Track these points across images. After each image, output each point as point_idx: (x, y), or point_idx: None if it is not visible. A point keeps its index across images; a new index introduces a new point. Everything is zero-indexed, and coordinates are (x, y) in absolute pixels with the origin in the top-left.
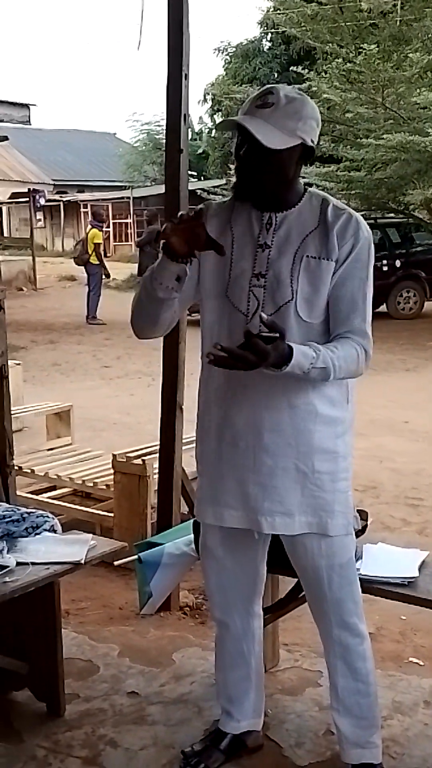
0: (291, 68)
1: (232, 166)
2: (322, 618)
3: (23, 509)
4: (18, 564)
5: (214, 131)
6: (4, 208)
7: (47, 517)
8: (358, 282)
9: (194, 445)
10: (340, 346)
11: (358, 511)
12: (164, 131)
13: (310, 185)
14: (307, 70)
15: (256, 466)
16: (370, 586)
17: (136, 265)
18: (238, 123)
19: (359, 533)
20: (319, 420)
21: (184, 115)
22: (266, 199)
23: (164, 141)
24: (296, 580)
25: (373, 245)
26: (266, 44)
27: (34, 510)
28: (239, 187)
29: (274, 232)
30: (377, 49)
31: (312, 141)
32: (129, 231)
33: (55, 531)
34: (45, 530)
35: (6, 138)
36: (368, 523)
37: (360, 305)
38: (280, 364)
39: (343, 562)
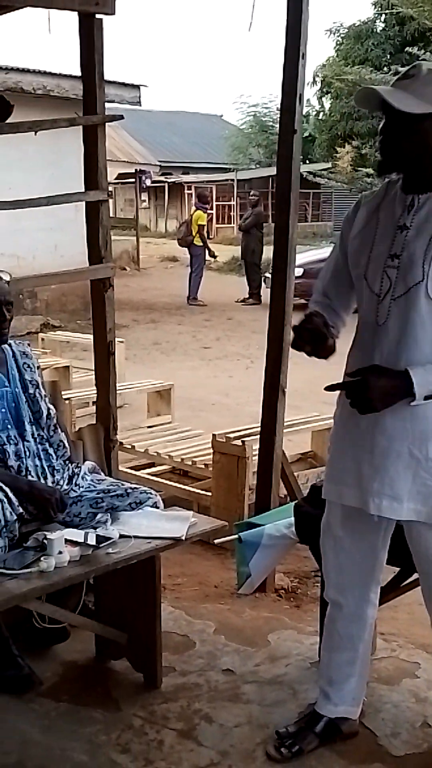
0: (405, 49)
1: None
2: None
3: (127, 485)
4: (121, 537)
5: (321, 114)
6: (111, 188)
7: (150, 493)
8: None
9: (295, 429)
10: None
11: None
12: (271, 113)
13: None
14: (422, 51)
15: (373, 447)
16: None
17: (239, 247)
18: (374, 94)
19: None
20: None
21: (300, 95)
22: (411, 173)
23: (270, 123)
24: (398, 569)
25: None
26: (380, 25)
27: (138, 486)
28: (381, 163)
29: (415, 213)
30: None
31: None
32: (232, 213)
33: (157, 507)
34: (148, 506)
35: (122, 117)
36: None
37: None
38: (404, 391)
39: None
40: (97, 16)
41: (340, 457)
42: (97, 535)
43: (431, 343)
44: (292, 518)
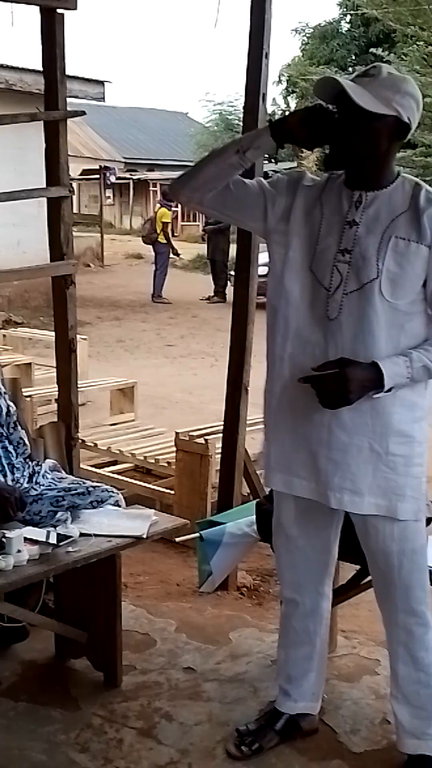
0: (370, 50)
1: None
2: (387, 603)
3: (89, 483)
4: (81, 535)
5: (287, 113)
6: (74, 185)
7: (112, 492)
8: None
9: (258, 427)
10: None
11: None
12: (237, 112)
13: None
14: (386, 53)
15: (331, 441)
16: None
17: (203, 245)
18: (334, 84)
19: (428, 522)
20: (398, 402)
21: (263, 95)
22: (356, 171)
23: (236, 122)
24: (358, 567)
25: None
26: (345, 26)
27: (99, 484)
28: (328, 157)
29: (364, 210)
30: None
31: (409, 119)
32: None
33: (119, 505)
34: (109, 505)
35: (83, 113)
36: None
37: None
38: (375, 382)
39: (415, 548)
40: (59, 11)
41: (288, 448)
42: (58, 534)
43: (386, 338)
44: (254, 516)
